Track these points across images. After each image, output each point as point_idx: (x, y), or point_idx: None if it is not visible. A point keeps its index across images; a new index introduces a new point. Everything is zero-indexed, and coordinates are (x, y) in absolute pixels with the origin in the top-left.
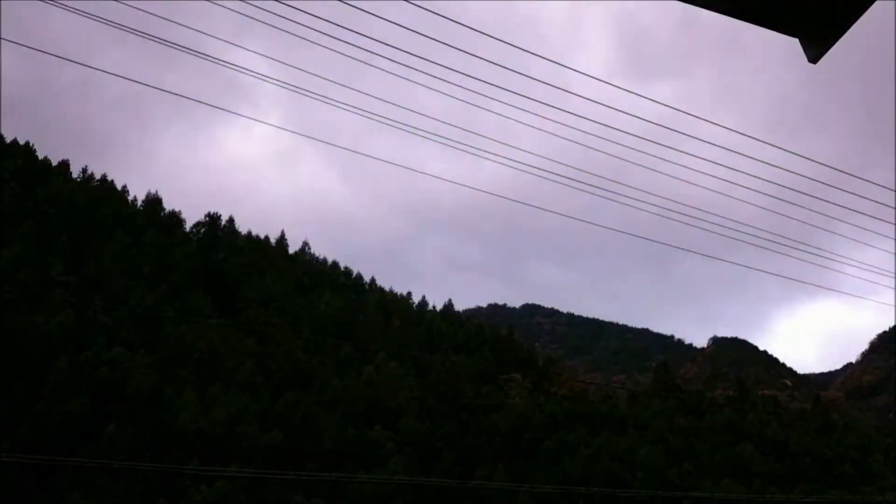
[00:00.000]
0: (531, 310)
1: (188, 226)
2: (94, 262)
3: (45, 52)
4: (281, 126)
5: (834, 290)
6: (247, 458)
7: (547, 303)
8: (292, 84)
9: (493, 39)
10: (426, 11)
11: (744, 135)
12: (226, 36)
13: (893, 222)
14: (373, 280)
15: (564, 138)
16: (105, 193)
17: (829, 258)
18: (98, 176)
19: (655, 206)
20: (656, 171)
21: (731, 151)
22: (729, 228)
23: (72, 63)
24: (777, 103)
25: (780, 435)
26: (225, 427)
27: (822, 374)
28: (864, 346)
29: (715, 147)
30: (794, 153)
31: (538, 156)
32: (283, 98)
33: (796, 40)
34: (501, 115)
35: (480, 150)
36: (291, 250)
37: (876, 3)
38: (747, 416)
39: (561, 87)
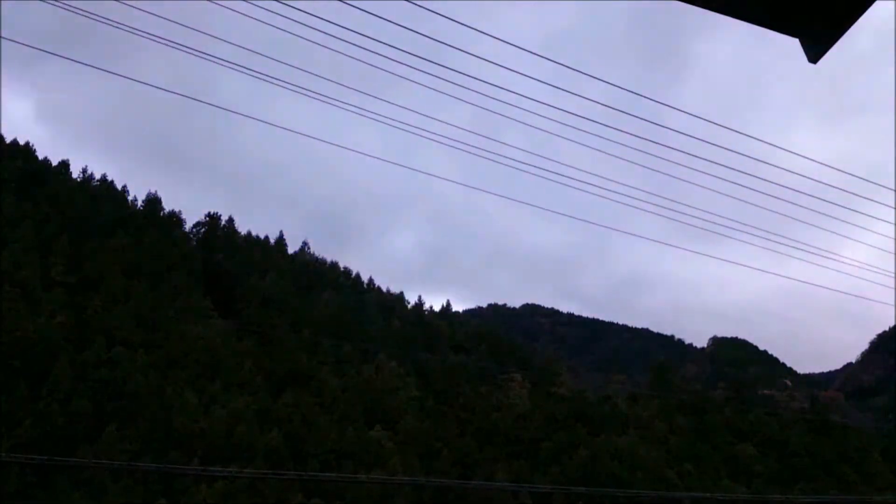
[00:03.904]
0: (531, 310)
1: (188, 226)
2: (94, 262)
3: (48, 52)
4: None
5: (834, 290)
6: (247, 458)
7: (547, 303)
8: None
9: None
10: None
11: (746, 135)
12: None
13: (893, 222)
14: (372, 280)
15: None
16: (105, 193)
17: (829, 258)
18: (98, 176)
19: (655, 205)
20: (658, 171)
21: (730, 151)
22: (727, 228)
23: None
24: (772, 102)
25: (780, 435)
26: (225, 427)
27: (822, 374)
28: (864, 346)
29: (715, 146)
30: (792, 152)
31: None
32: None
33: (796, 40)
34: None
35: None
36: (291, 250)
37: (876, 3)
38: (747, 416)
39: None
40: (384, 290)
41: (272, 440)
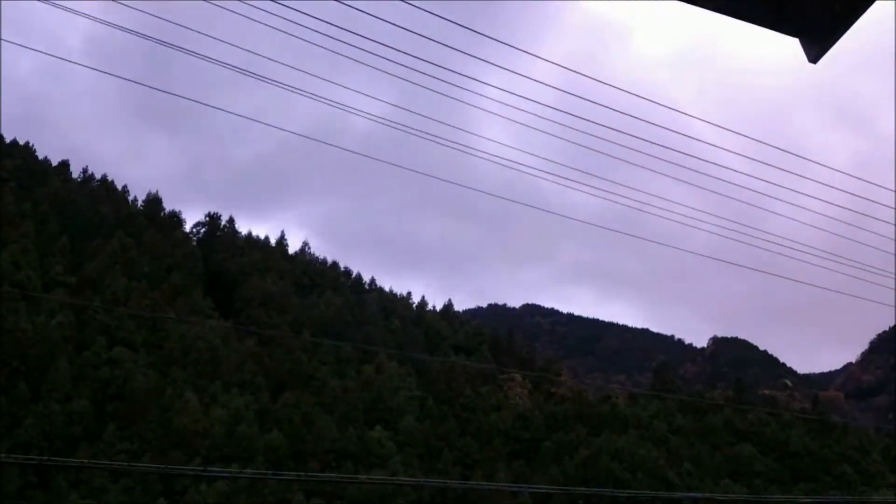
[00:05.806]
0: (531, 310)
1: (188, 226)
2: (94, 262)
3: (45, 53)
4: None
5: (833, 290)
6: (247, 458)
7: (547, 303)
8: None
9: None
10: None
11: (740, 134)
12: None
13: (893, 222)
14: (373, 280)
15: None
16: (105, 193)
17: (828, 258)
18: (98, 176)
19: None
20: (666, 175)
21: (728, 151)
22: (724, 229)
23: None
24: (767, 99)
25: (779, 435)
26: (225, 427)
27: (822, 374)
28: (864, 346)
29: (714, 148)
30: (789, 153)
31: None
32: None
33: (796, 40)
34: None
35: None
36: (291, 250)
37: (876, 3)
38: (747, 416)
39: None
40: (385, 289)
41: (272, 440)
